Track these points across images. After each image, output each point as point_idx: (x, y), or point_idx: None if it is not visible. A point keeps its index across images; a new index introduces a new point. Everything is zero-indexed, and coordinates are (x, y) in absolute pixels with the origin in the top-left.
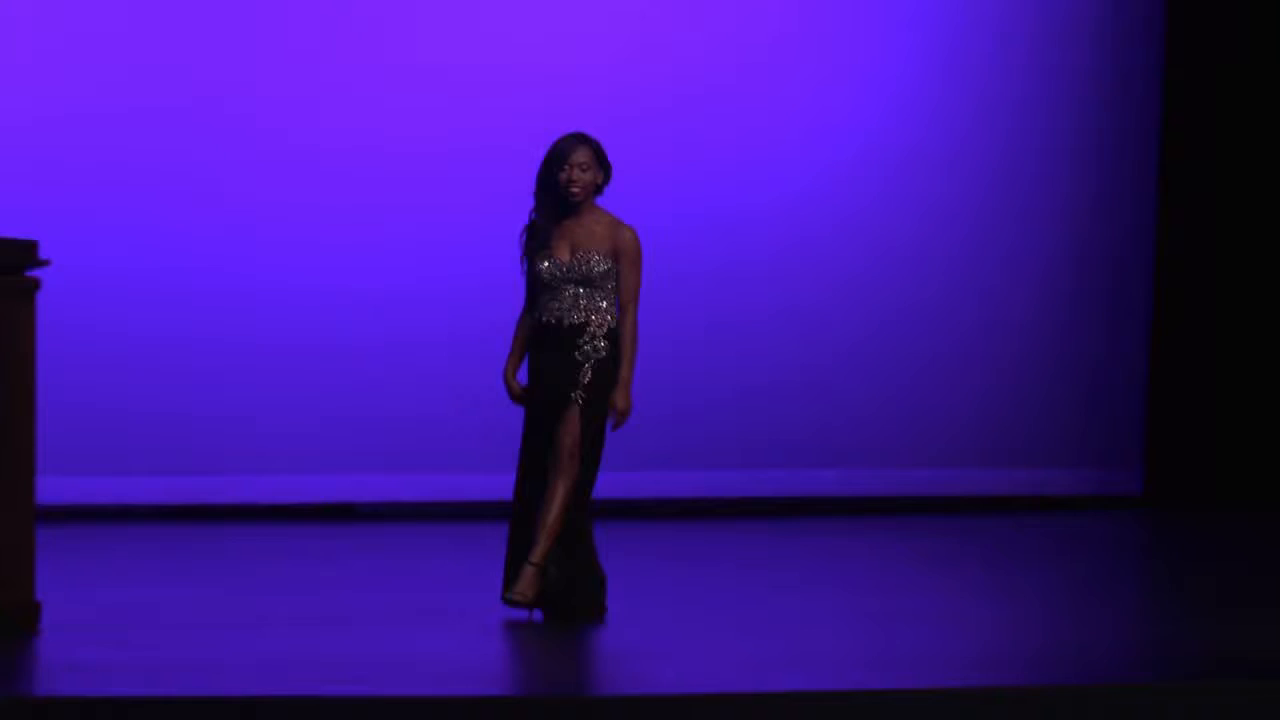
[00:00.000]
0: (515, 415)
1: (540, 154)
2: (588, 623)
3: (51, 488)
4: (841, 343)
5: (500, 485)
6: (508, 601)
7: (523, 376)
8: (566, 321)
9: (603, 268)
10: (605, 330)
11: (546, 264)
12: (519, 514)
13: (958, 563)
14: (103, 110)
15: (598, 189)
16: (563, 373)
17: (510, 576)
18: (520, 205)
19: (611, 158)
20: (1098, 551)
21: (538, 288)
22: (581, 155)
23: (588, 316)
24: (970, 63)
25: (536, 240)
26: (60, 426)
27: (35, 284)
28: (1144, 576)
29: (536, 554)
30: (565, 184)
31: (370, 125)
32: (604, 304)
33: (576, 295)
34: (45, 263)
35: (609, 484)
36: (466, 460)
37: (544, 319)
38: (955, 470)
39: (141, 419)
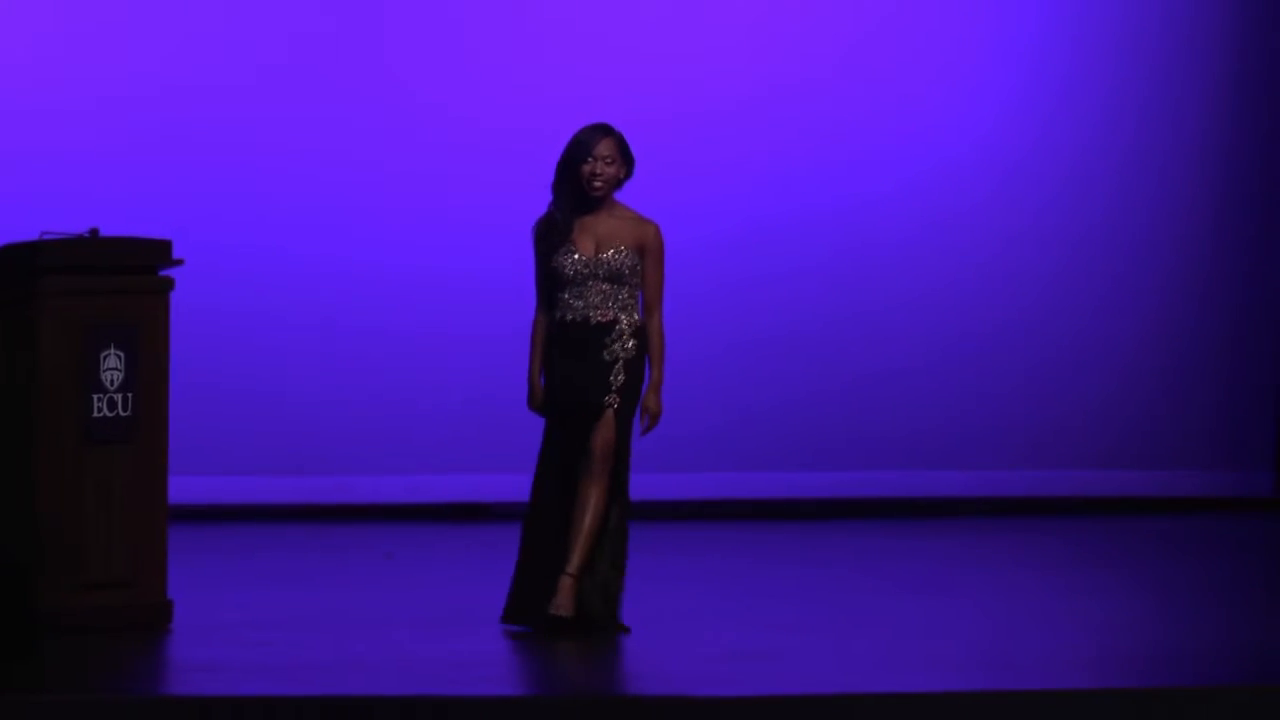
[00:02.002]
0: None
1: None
2: (604, 632)
3: (183, 487)
4: (963, 342)
5: (649, 485)
6: (543, 619)
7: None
8: (594, 320)
9: (630, 263)
10: (633, 329)
11: (570, 259)
12: (535, 522)
13: (1083, 564)
14: (230, 88)
15: (619, 183)
16: (592, 374)
17: (524, 587)
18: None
19: (704, 154)
20: (1226, 553)
21: (558, 284)
22: (605, 148)
23: (616, 314)
24: (1090, 60)
25: (556, 235)
26: (191, 426)
27: (169, 284)
28: (1273, 578)
29: (574, 564)
30: (588, 177)
31: (518, 105)
32: (631, 301)
33: (603, 292)
34: (179, 262)
35: (728, 485)
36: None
37: (567, 317)
38: (1083, 472)
39: (271, 418)
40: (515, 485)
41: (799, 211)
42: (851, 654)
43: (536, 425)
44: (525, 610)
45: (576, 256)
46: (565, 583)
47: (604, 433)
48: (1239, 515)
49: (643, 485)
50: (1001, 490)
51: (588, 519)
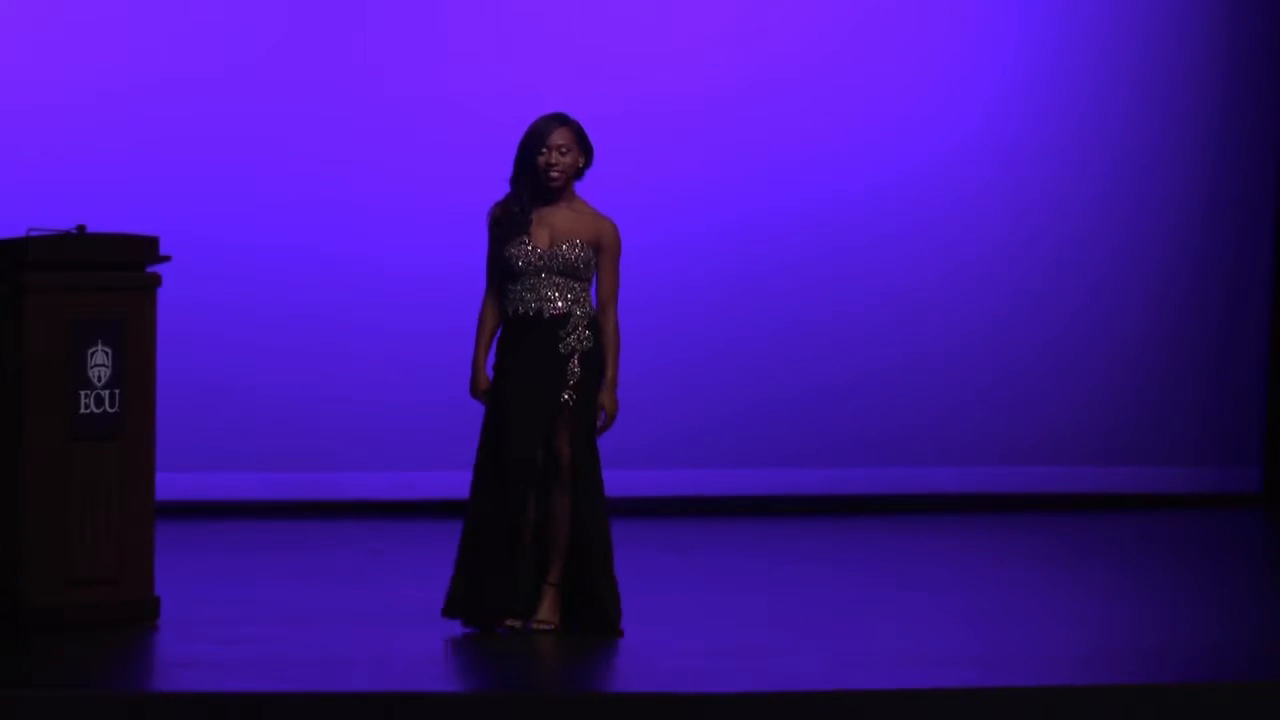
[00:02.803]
0: (660, 409)
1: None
2: (603, 638)
3: (169, 483)
4: (951, 337)
5: (638, 481)
6: (528, 631)
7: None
8: (547, 313)
9: (586, 257)
10: (588, 321)
11: (523, 250)
12: (479, 516)
13: (1073, 561)
14: (219, 83)
15: (578, 173)
16: (546, 369)
17: (472, 583)
18: (613, 192)
19: (700, 145)
20: (1215, 550)
21: (510, 276)
22: (561, 137)
23: (570, 308)
24: (1083, 53)
25: (512, 224)
26: (178, 422)
27: (156, 280)
28: (1262, 575)
29: (555, 574)
30: (544, 168)
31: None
32: (584, 295)
33: (556, 285)
34: (166, 258)
35: (721, 481)
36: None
37: (519, 310)
38: (1072, 468)
39: (258, 414)
40: None
41: (789, 208)
42: (843, 650)
43: None
44: (470, 608)
45: (530, 248)
46: (550, 594)
47: (571, 437)
48: (1227, 511)
49: (637, 482)
50: (990, 487)
51: (565, 528)
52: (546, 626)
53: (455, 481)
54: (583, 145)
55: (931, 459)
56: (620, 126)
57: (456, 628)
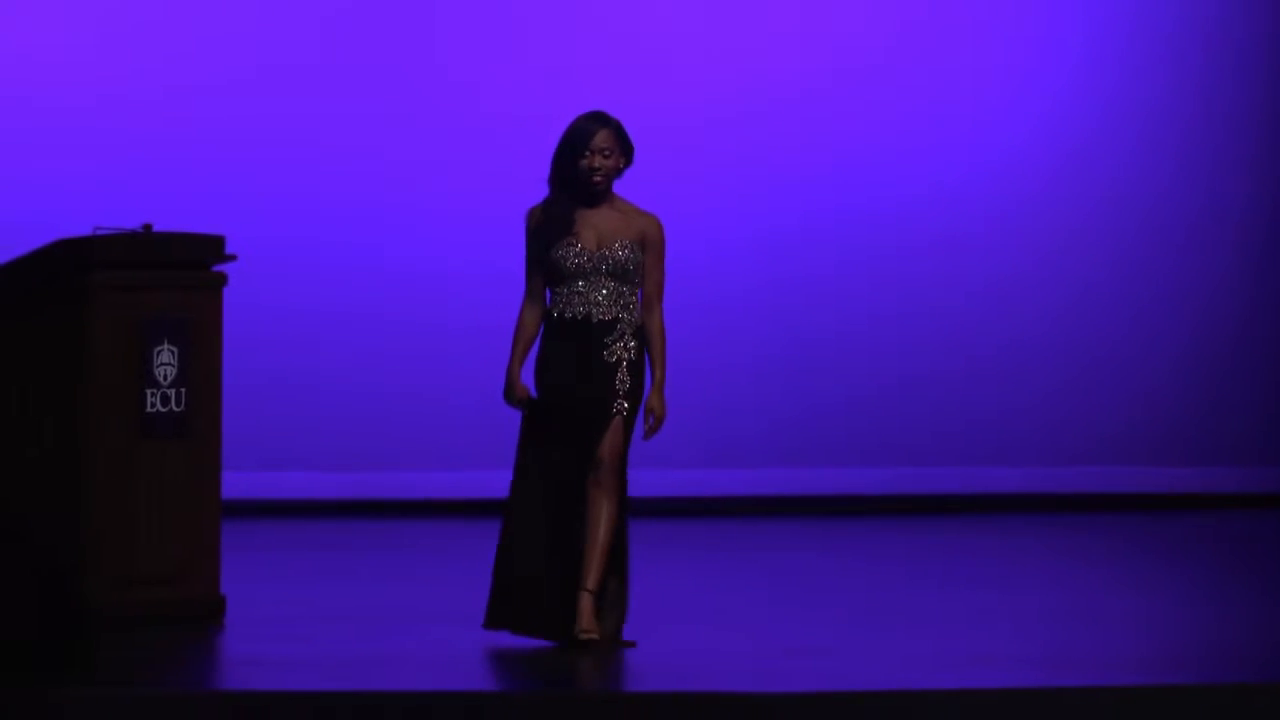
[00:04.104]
0: (715, 405)
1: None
2: (612, 646)
3: (235, 482)
4: (1013, 338)
5: (693, 481)
6: (568, 641)
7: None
8: (596, 318)
9: (636, 258)
10: (633, 328)
11: (572, 252)
12: (521, 524)
13: (1136, 561)
14: (285, 82)
15: (619, 173)
16: (595, 377)
17: (513, 592)
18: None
19: (753, 146)
20: (1277, 549)
21: (557, 278)
22: (604, 139)
23: (618, 313)
24: (1146, 56)
25: (555, 227)
26: (243, 421)
27: (222, 279)
28: None
29: (593, 581)
30: (588, 171)
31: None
32: (632, 300)
33: (607, 289)
34: (232, 257)
35: (780, 481)
36: (664, 455)
37: (566, 314)
38: (1131, 468)
39: (324, 414)
40: None
41: (845, 210)
42: (902, 650)
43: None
44: (517, 618)
45: (578, 249)
46: (587, 601)
47: (613, 441)
48: None
49: (692, 482)
50: (1049, 487)
51: (602, 533)
52: (593, 635)
53: None
54: (624, 145)
55: (989, 459)
56: (668, 126)
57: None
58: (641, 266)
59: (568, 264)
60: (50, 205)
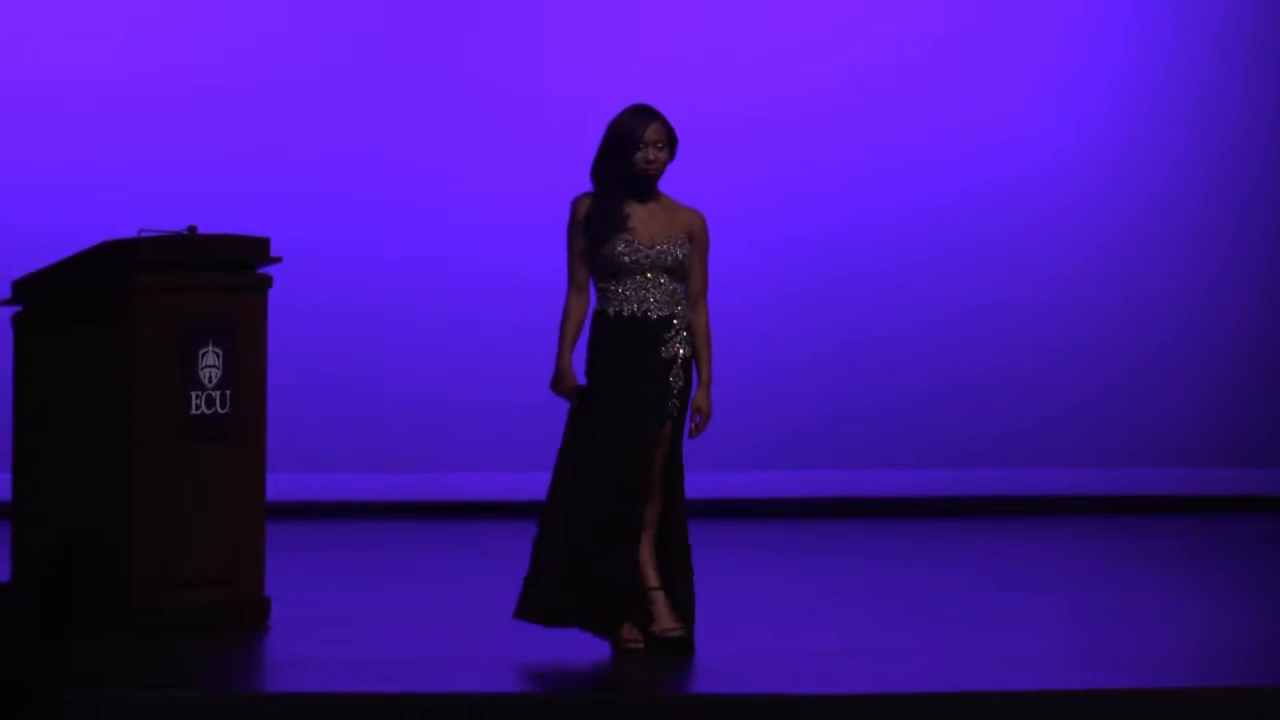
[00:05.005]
0: (758, 407)
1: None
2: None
3: (280, 484)
4: (1068, 339)
5: (734, 483)
6: (654, 640)
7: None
8: (654, 315)
9: (688, 253)
10: (684, 325)
11: (628, 248)
12: (561, 526)
13: (1183, 563)
14: (331, 84)
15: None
16: (650, 373)
17: (556, 595)
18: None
19: (802, 151)
20: None
21: (612, 274)
22: (655, 132)
23: (673, 309)
24: (1192, 62)
25: (606, 222)
26: (288, 423)
27: (267, 281)
28: None
29: (656, 577)
30: (642, 165)
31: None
32: (682, 298)
33: (661, 286)
34: (277, 259)
35: (826, 483)
36: (706, 456)
37: (623, 311)
38: (1183, 470)
39: (369, 415)
40: None
41: (898, 210)
42: (948, 652)
43: None
44: (550, 611)
45: (634, 245)
46: (661, 599)
47: (671, 440)
48: None
49: (733, 484)
50: (1101, 489)
51: (658, 530)
52: (677, 632)
53: None
54: (672, 138)
55: (1040, 461)
56: (713, 127)
57: (563, 630)
58: (690, 262)
59: (625, 260)
60: (96, 207)
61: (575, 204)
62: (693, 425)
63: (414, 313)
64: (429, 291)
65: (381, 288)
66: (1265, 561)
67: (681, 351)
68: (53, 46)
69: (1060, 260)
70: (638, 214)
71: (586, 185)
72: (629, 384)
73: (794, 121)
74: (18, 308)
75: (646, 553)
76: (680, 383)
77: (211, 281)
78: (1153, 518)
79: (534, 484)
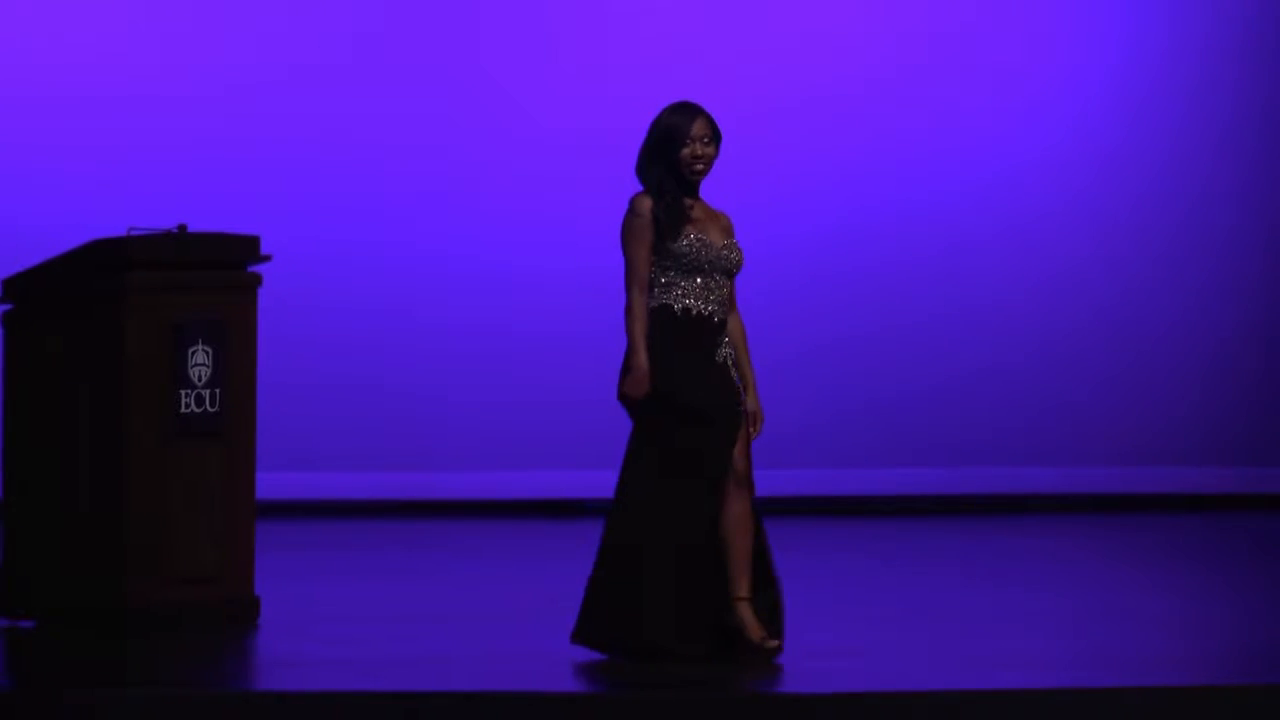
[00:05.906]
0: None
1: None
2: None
3: (270, 483)
4: (1062, 336)
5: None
6: (759, 655)
7: None
8: (716, 317)
9: (739, 259)
10: (728, 329)
11: (702, 245)
12: (663, 538)
13: (1176, 561)
14: (324, 82)
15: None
16: (714, 377)
17: (651, 614)
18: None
19: (802, 148)
20: None
21: (685, 271)
22: (702, 128)
23: (726, 314)
24: (1185, 58)
25: (674, 218)
26: (278, 421)
27: (257, 280)
28: None
29: (747, 587)
30: (690, 161)
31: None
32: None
33: (722, 287)
34: (267, 258)
35: (823, 482)
36: None
37: (692, 310)
38: (1176, 469)
39: (359, 414)
40: (607, 481)
41: (889, 210)
42: (942, 651)
43: (627, 420)
44: (608, 641)
45: (707, 242)
46: (749, 611)
47: (745, 445)
48: None
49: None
50: (1095, 487)
51: (750, 537)
52: (774, 644)
53: (555, 481)
54: (718, 135)
55: (1033, 459)
56: (728, 123)
57: (557, 626)
58: None
59: (700, 256)
60: (85, 206)
61: (638, 201)
62: (753, 429)
63: (405, 312)
64: (420, 291)
65: (373, 287)
66: (1259, 560)
67: (729, 356)
68: (42, 45)
69: (1053, 258)
70: (695, 212)
71: (586, 184)
72: (702, 383)
73: (785, 121)
74: (7, 306)
75: (742, 557)
76: (737, 384)
77: (201, 280)
78: (1148, 516)
79: (523, 483)
